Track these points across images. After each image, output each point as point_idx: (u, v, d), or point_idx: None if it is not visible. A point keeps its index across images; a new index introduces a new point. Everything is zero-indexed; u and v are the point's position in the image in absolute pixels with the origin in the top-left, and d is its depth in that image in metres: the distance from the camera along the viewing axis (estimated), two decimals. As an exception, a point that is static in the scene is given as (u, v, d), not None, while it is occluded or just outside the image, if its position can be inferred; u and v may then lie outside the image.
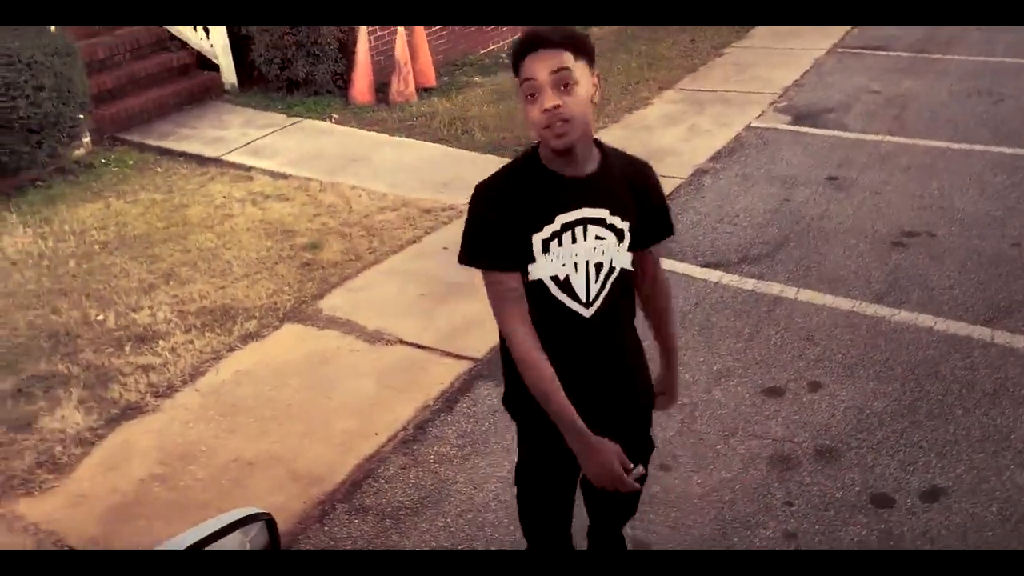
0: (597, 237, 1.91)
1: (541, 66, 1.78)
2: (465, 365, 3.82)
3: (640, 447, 2.17)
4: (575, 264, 1.91)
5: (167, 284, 4.55)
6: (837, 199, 5.34)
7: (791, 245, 4.80)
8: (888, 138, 6.24)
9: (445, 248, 4.85)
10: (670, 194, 5.50)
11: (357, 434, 3.42)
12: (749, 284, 4.42)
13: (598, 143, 1.95)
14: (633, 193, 1.97)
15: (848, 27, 9.31)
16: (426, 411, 3.55)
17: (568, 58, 1.79)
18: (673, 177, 5.71)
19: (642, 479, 1.98)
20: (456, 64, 8.50)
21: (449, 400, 3.62)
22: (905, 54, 8.31)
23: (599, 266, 1.93)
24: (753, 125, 6.67)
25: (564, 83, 1.78)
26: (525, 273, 1.90)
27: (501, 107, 7.16)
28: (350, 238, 4.98)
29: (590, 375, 1.99)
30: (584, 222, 1.90)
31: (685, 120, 6.83)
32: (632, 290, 2.07)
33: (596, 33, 9.72)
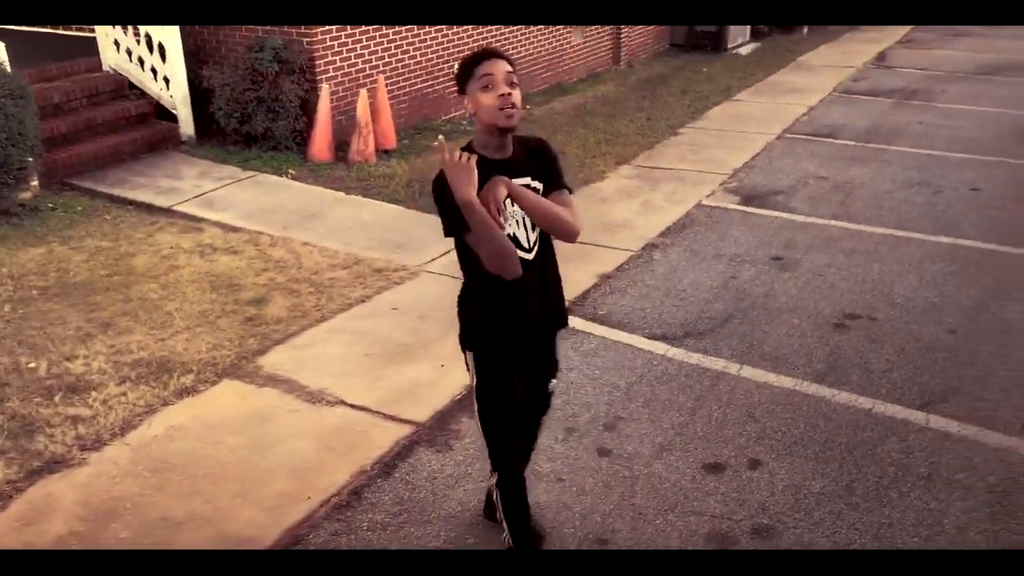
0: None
1: (498, 68, 2.40)
2: (406, 430, 3.77)
3: (552, 362, 2.87)
4: (517, 221, 2.49)
5: (105, 333, 4.44)
6: (782, 279, 5.46)
7: (736, 321, 4.87)
8: (833, 222, 6.44)
9: (395, 308, 4.83)
10: (620, 266, 5.59)
11: (291, 497, 3.33)
12: (694, 358, 4.47)
13: (513, 137, 2.53)
14: (536, 162, 2.55)
15: (799, 114, 9.67)
16: (363, 476, 3.48)
17: (513, 68, 2.44)
18: (625, 249, 5.80)
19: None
20: (417, 128, 8.61)
21: (387, 465, 3.56)
22: (852, 143, 8.64)
23: (527, 219, 2.51)
24: (704, 203, 6.83)
25: (512, 82, 2.41)
26: None
27: (459, 172, 7.21)
28: (297, 294, 4.93)
29: (531, 303, 2.59)
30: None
31: (639, 195, 6.97)
32: (550, 238, 2.61)
33: (556, 108, 9.97)
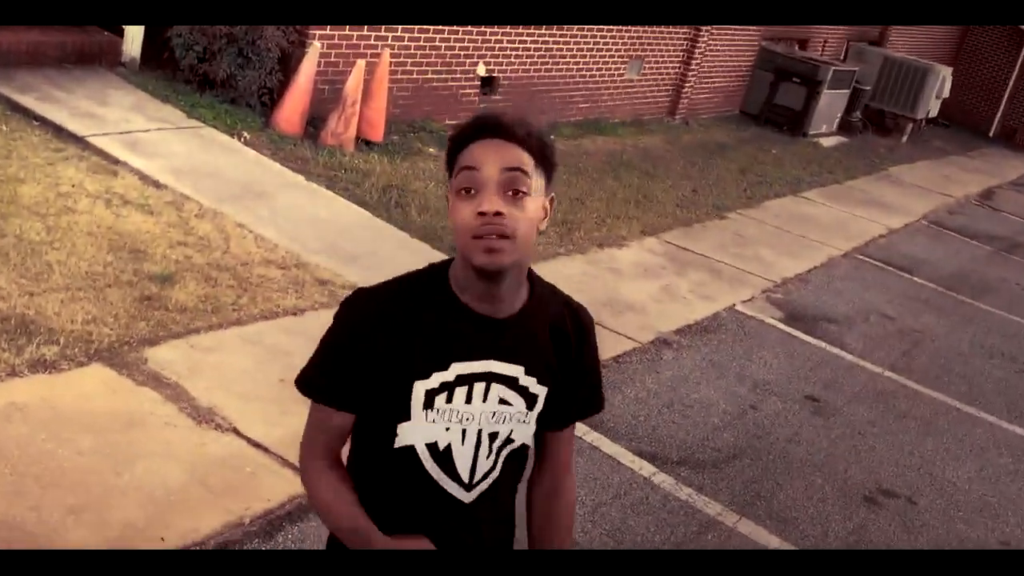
0: (501, 400, 1.84)
1: (492, 157, 1.72)
2: (307, 485, 3.71)
3: None
4: (463, 431, 1.82)
5: (-40, 266, 4.36)
6: (813, 425, 5.48)
7: (745, 461, 4.87)
8: (889, 373, 6.50)
9: (329, 334, 4.79)
10: (619, 357, 5.59)
11: (138, 531, 3.25)
12: (684, 493, 4.45)
13: (530, 275, 1.88)
14: (559, 348, 1.89)
15: (875, 234, 9.85)
16: (238, 529, 3.40)
17: (527, 160, 1.74)
18: (629, 338, 5.81)
19: None
20: (413, 125, 8.68)
21: (272, 524, 3.49)
22: (931, 285, 8.80)
23: (493, 436, 1.85)
24: (738, 308, 6.89)
25: (515, 188, 1.71)
26: (391, 433, 1.81)
27: (451, 191, 7.25)
28: (214, 283, 4.89)
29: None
30: (489, 378, 1.82)
31: (661, 277, 7.03)
32: (523, 470, 1.99)
33: (587, 147, 10.10)
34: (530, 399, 1.86)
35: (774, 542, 4.25)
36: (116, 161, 5.96)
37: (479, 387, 1.82)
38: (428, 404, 1.79)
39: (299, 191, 6.48)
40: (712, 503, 4.43)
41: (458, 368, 1.80)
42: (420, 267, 1.88)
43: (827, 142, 13.95)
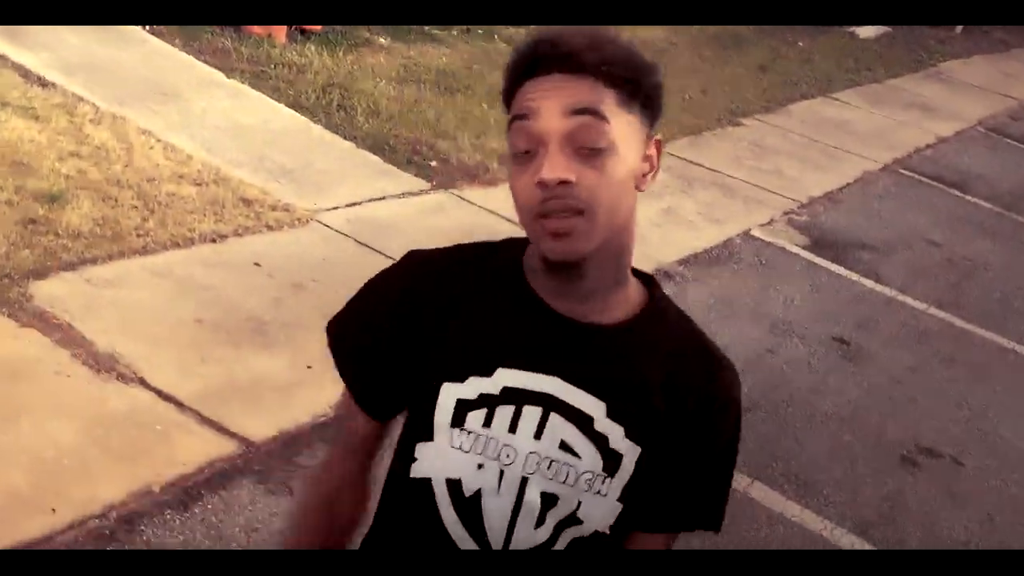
0: (563, 446, 1.49)
1: (550, 100, 1.42)
2: (230, 447, 3.74)
3: None
4: (501, 474, 1.49)
5: None
6: (842, 371, 5.53)
7: (760, 415, 4.91)
8: (935, 311, 6.55)
9: (257, 264, 4.78)
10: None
11: (24, 502, 3.26)
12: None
13: (647, 280, 1.62)
14: (672, 400, 1.53)
15: (921, 143, 9.85)
16: (146, 499, 3.42)
17: (606, 98, 1.43)
18: (623, 270, 5.81)
19: None
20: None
21: (188, 493, 3.51)
22: (987, 205, 8.82)
23: (549, 500, 1.50)
24: (755, 234, 6.90)
25: (588, 143, 1.41)
26: (410, 455, 1.55)
27: (407, 91, 7.21)
28: (114, 204, 4.86)
29: None
30: (548, 404, 1.49)
31: (663, 198, 7.00)
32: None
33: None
34: (610, 458, 1.50)
35: (792, 509, 4.31)
36: (-8, 54, 5.89)
37: (531, 413, 1.49)
38: (457, 421, 1.49)
39: (218, 90, 6.42)
40: (720, 465, 4.47)
41: (506, 377, 1.49)
42: (494, 240, 1.63)
43: (866, 32, 13.87)
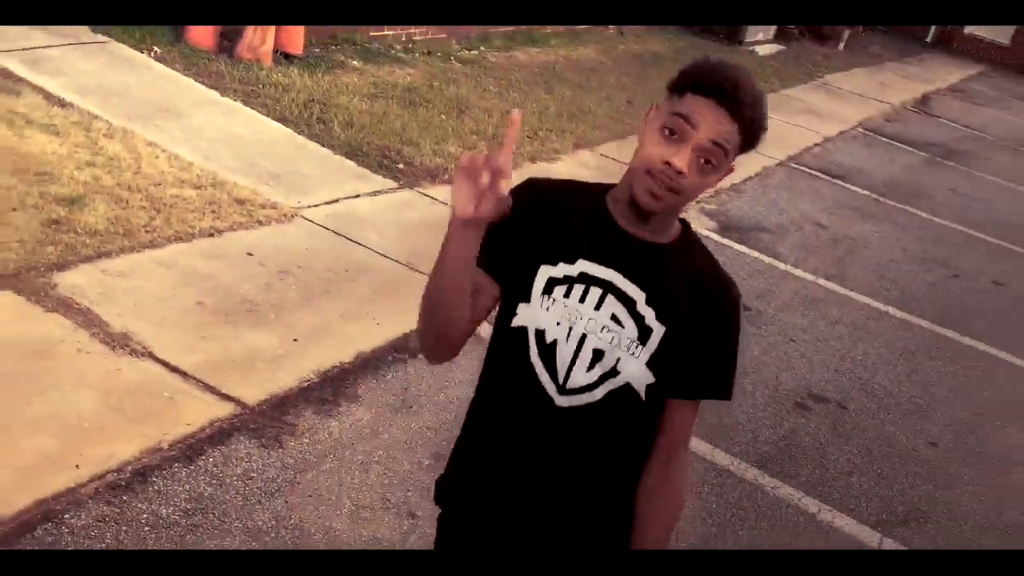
0: (614, 317, 1.85)
1: (710, 124, 1.76)
2: (228, 409, 3.70)
3: None
4: (570, 330, 1.86)
5: None
6: (744, 333, 5.56)
7: (678, 372, 4.94)
8: (822, 281, 6.61)
9: (250, 254, 4.72)
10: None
11: (52, 460, 3.21)
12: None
13: (684, 222, 1.95)
14: (692, 303, 1.88)
15: (810, 143, 9.93)
16: (156, 455, 3.38)
17: (736, 140, 1.78)
18: (562, 253, 5.81)
19: None
20: (335, 37, 8.48)
21: (192, 449, 3.47)
22: (865, 192, 8.92)
23: (598, 354, 1.86)
24: (673, 220, 6.93)
25: (709, 159, 1.77)
26: (512, 311, 1.90)
27: (377, 106, 7.15)
28: (125, 205, 4.77)
29: (535, 472, 1.92)
30: (607, 288, 1.86)
31: (595, 190, 7.01)
32: (628, 429, 1.93)
33: (519, 59, 9.98)
34: (644, 330, 1.85)
35: (703, 447, 4.33)
36: (18, 79, 5.75)
37: (595, 292, 1.86)
38: (547, 291, 1.87)
39: (214, 107, 6.32)
40: (644, 414, 4.50)
41: (583, 266, 1.87)
42: (590, 182, 2.00)
43: (763, 50, 13.95)
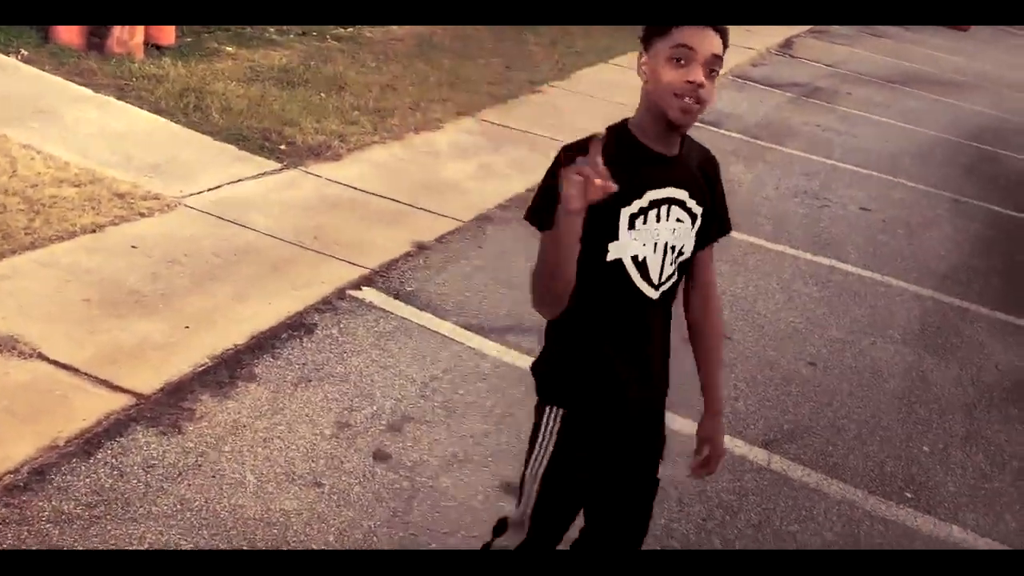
0: (678, 219, 2.33)
1: (706, 43, 2.19)
2: (123, 401, 3.61)
3: (661, 437, 2.67)
4: (655, 244, 2.31)
5: None
6: (632, 278, 5.63)
7: (570, 321, 4.97)
8: (702, 222, 6.72)
9: (135, 247, 4.61)
10: (442, 237, 5.59)
11: (-57, 469, 3.10)
12: (511, 356, 4.52)
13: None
14: (706, 180, 2.40)
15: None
16: (53, 452, 3.29)
17: (723, 50, 2.23)
18: (451, 218, 5.80)
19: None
20: (207, 26, 8.27)
21: (90, 443, 3.39)
22: (737, 135, 9.09)
23: (673, 249, 2.34)
24: (556, 177, 6.94)
25: (713, 69, 2.20)
26: (603, 252, 2.26)
27: (253, 89, 7.01)
28: (3, 209, 4.62)
29: (643, 356, 2.44)
30: (669, 202, 2.31)
31: (479, 156, 7.00)
32: (684, 274, 2.48)
33: (395, 32, 9.87)
34: (693, 218, 2.36)
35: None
36: None
37: (663, 209, 2.30)
38: (631, 225, 2.25)
39: (87, 104, 6.13)
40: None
41: (650, 195, 2.27)
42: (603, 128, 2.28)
43: (633, 8, 14.04)
